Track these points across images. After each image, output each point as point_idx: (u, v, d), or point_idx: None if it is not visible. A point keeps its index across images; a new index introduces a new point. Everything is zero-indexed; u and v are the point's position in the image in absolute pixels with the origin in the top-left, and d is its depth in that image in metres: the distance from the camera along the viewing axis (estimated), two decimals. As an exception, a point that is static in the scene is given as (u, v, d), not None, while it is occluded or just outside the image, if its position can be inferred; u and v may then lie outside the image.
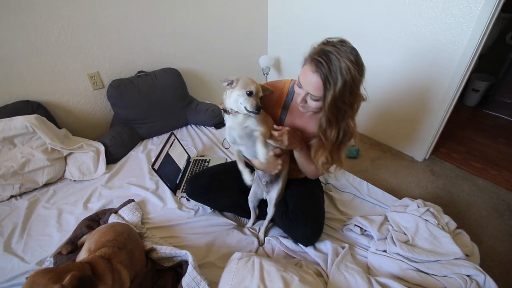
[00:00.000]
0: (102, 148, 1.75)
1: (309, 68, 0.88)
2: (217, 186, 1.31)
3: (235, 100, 0.97)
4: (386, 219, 1.37)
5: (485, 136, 2.41)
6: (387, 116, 2.15)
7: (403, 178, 1.88)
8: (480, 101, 2.84)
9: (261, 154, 0.96)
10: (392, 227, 1.31)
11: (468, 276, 1.06)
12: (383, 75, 2.03)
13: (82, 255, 1.05)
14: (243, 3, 2.45)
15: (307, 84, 0.90)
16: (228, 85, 0.99)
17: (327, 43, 0.88)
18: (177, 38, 2.20)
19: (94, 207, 1.46)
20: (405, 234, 1.27)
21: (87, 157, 1.69)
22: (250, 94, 0.95)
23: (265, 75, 2.70)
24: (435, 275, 1.09)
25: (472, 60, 1.59)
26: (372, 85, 2.12)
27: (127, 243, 1.06)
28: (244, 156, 1.14)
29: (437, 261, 1.13)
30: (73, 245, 1.20)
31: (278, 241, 1.26)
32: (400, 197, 1.52)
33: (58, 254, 1.19)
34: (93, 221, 1.34)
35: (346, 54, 0.83)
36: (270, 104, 1.14)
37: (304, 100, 0.96)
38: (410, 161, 2.05)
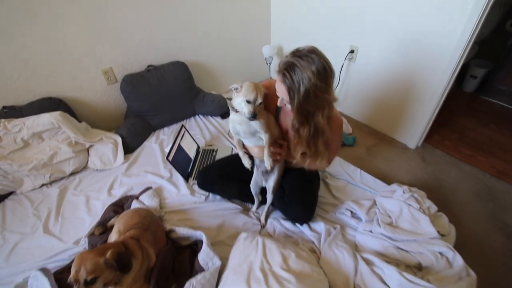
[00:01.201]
0: (119, 139, 1.92)
1: (278, 79, 1.01)
2: (224, 178, 1.49)
3: (239, 104, 1.11)
4: (374, 203, 1.54)
5: (478, 122, 2.51)
6: (383, 104, 2.26)
7: (396, 165, 2.03)
8: (478, 87, 2.90)
9: (266, 163, 1.15)
10: (379, 210, 1.48)
11: (440, 253, 1.24)
12: (379, 63, 2.11)
13: (113, 236, 1.25)
14: (246, -7, 2.50)
15: (279, 92, 1.05)
16: (235, 90, 1.11)
17: (295, 54, 0.97)
18: (182, 32, 2.28)
19: (117, 193, 1.66)
20: (389, 216, 1.44)
21: (107, 148, 1.87)
22: (248, 102, 1.06)
23: (268, 64, 2.78)
24: (412, 251, 1.27)
25: (467, 48, 1.62)
26: (369, 73, 2.23)
27: (151, 225, 1.26)
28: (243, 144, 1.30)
29: (414, 240, 1.31)
30: (104, 227, 1.40)
31: (279, 223, 1.46)
32: (390, 183, 1.67)
33: (91, 235, 1.37)
34: (118, 206, 1.54)
35: (309, 65, 0.93)
36: (271, 102, 1.24)
37: (283, 103, 1.09)
38: (403, 148, 2.19)
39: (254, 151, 1.27)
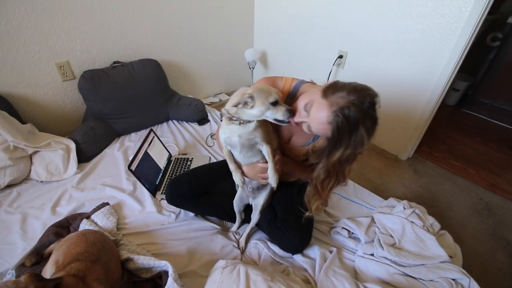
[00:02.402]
0: (72, 145, 1.60)
1: (325, 114, 0.77)
2: (199, 191, 1.23)
3: (258, 116, 0.88)
4: (373, 220, 1.35)
5: (464, 135, 2.48)
6: (372, 114, 2.14)
7: (388, 177, 1.88)
8: (459, 100, 2.91)
9: (272, 180, 0.95)
10: (379, 229, 1.29)
11: (453, 279, 1.06)
12: (369, 70, 2.00)
13: (48, 269, 0.95)
14: (228, -7, 2.33)
15: (316, 124, 0.81)
16: (245, 105, 0.87)
17: (360, 102, 0.75)
18: (157, 27, 2.05)
19: (64, 211, 1.34)
20: (391, 236, 1.26)
21: (56, 155, 1.55)
22: (275, 103, 0.86)
23: (251, 69, 2.61)
24: (422, 279, 1.08)
25: (460, 60, 1.59)
26: (359, 80, 2.10)
27: (101, 254, 0.97)
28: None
29: (423, 264, 1.12)
30: (39, 255, 1.09)
31: (266, 245, 1.21)
32: (385, 197, 1.52)
33: (21, 266, 1.07)
34: (62, 228, 1.23)
35: (365, 123, 0.75)
36: None
37: (300, 125, 0.88)
38: (394, 160, 2.06)
39: (245, 169, 1.04)
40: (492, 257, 1.42)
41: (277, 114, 0.86)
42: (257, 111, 0.86)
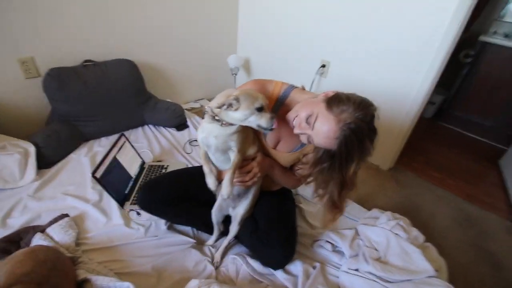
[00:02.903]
0: (32, 149, 1.44)
1: (333, 129, 0.77)
2: (176, 196, 1.11)
3: (241, 120, 0.83)
4: (357, 233, 1.30)
5: (441, 146, 2.54)
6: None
7: (371, 187, 1.86)
8: (435, 113, 3.00)
9: (225, 191, 0.88)
10: (363, 242, 1.24)
11: (440, 295, 1.02)
12: (351, 79, 2.00)
13: (-14, 293, 0.80)
14: (212, -4, 2.28)
15: (322, 138, 0.80)
16: (229, 107, 0.81)
17: (363, 116, 0.77)
18: (135, 25, 1.94)
19: (16, 223, 1.17)
20: (376, 250, 1.20)
21: (11, 160, 1.37)
22: (260, 109, 0.81)
23: (234, 75, 2.55)
24: (408, 295, 1.03)
25: (439, 73, 1.62)
26: (342, 90, 2.09)
27: (51, 275, 0.83)
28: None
29: (409, 280, 1.07)
30: (-22, 277, 0.93)
31: (245, 261, 1.11)
32: (368, 208, 1.48)
33: (-45, 290, 0.90)
34: (11, 243, 1.06)
35: (370, 136, 0.79)
36: None
37: (302, 134, 0.85)
38: (376, 170, 2.05)
39: (222, 174, 0.97)
40: (476, 269, 1.41)
41: (261, 120, 0.82)
42: (241, 115, 0.81)
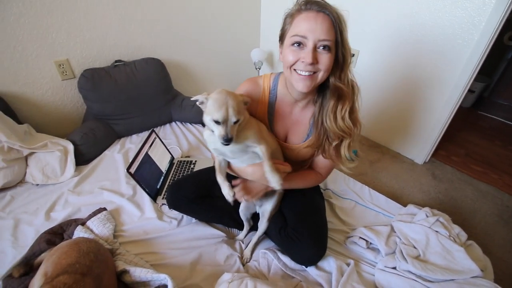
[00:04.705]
0: (70, 147, 1.52)
1: (310, 13, 0.75)
2: (203, 195, 1.13)
3: (208, 123, 0.79)
4: (392, 229, 1.24)
5: (482, 138, 2.35)
6: (385, 116, 2.03)
7: (405, 182, 1.76)
8: (475, 102, 2.78)
9: (274, 181, 0.81)
10: (400, 239, 1.18)
11: (488, 297, 0.94)
12: (382, 67, 1.90)
13: (36, 281, 0.86)
14: (234, -9, 2.26)
15: (315, 29, 0.74)
16: (200, 104, 0.79)
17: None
18: (161, 25, 1.98)
19: (58, 216, 1.25)
20: (415, 247, 1.14)
21: (53, 157, 1.46)
22: (217, 122, 0.74)
23: (257, 69, 2.52)
24: (452, 297, 0.96)
25: (483, 57, 1.48)
26: (371, 79, 2.00)
27: (94, 266, 0.87)
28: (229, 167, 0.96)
29: (453, 280, 1.00)
30: (28, 265, 1.00)
31: (276, 256, 1.10)
32: (403, 204, 1.41)
33: (9, 277, 0.98)
34: (55, 235, 1.14)
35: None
36: (253, 107, 0.96)
37: (315, 59, 0.76)
38: (410, 164, 1.94)
39: (248, 172, 0.92)
40: (525, 270, 1.29)
41: (216, 132, 0.76)
42: (207, 119, 0.77)
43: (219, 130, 0.74)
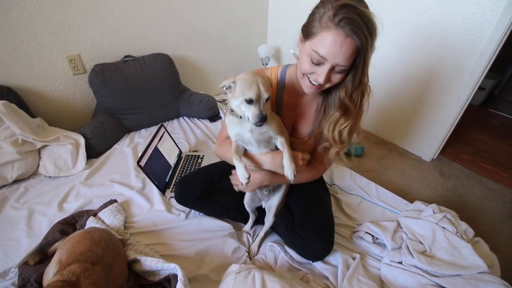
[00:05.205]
0: (82, 140, 1.56)
1: (339, 36, 0.69)
2: (209, 191, 1.14)
3: (237, 107, 0.79)
4: (399, 225, 1.24)
5: (492, 136, 2.32)
6: (393, 113, 2.02)
7: (412, 179, 1.75)
8: (485, 99, 2.74)
9: (289, 171, 0.82)
10: (407, 234, 1.18)
11: (495, 293, 0.94)
12: (388, 61, 1.88)
13: (51, 268, 0.89)
14: (242, -13, 2.26)
15: (337, 55, 0.71)
16: (228, 89, 0.80)
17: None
18: (169, 21, 1.99)
19: (71, 208, 1.29)
20: (421, 243, 1.14)
21: (65, 150, 1.50)
22: (249, 101, 0.75)
23: (264, 65, 2.52)
24: (459, 292, 0.96)
25: (495, 53, 1.46)
26: (378, 74, 1.99)
27: (105, 255, 0.90)
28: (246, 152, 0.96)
29: (459, 275, 1.01)
30: (42, 254, 1.04)
31: (283, 249, 1.11)
32: (410, 200, 1.41)
33: (24, 265, 1.02)
34: (68, 225, 1.18)
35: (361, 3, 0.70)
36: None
37: (328, 79, 0.77)
38: (417, 161, 1.93)
39: (265, 160, 0.91)
40: (533, 268, 1.27)
41: (249, 114, 0.76)
42: (236, 103, 0.78)
43: (252, 111, 0.75)
